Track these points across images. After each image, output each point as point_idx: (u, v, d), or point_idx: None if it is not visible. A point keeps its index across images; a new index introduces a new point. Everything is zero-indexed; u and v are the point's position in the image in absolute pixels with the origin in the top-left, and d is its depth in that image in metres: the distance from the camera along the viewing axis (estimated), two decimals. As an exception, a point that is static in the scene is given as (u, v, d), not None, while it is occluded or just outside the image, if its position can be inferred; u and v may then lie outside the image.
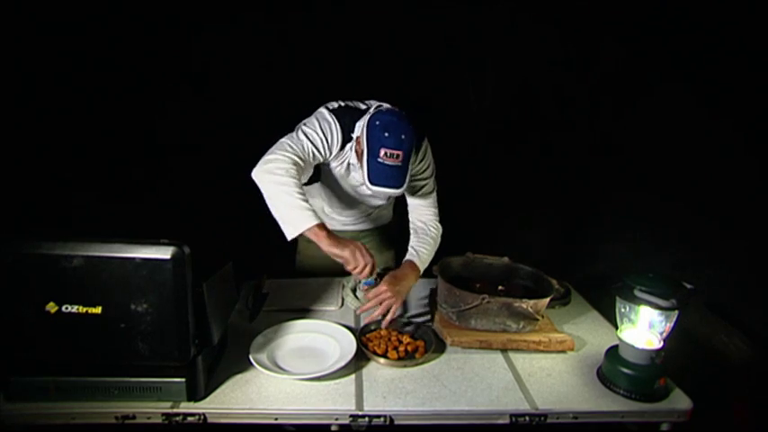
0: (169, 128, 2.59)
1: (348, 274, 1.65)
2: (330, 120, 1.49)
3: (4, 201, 1.86)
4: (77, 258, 0.99)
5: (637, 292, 1.19)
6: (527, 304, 1.33)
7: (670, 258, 2.17)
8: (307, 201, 1.36)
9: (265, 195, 1.37)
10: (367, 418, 1.12)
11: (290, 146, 1.42)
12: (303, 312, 1.54)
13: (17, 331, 1.04)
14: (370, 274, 1.40)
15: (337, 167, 1.61)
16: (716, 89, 2.05)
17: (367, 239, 1.91)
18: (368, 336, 1.40)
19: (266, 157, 1.40)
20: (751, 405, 1.69)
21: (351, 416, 1.12)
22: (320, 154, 1.48)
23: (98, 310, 1.02)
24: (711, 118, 2.11)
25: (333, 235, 1.37)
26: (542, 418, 1.14)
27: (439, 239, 1.66)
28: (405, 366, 1.28)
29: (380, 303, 1.42)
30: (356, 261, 1.36)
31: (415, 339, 1.38)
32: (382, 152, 1.35)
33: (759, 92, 1.91)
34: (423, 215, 1.67)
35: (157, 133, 2.57)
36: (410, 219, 1.71)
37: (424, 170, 1.62)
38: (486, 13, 2.63)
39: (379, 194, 1.49)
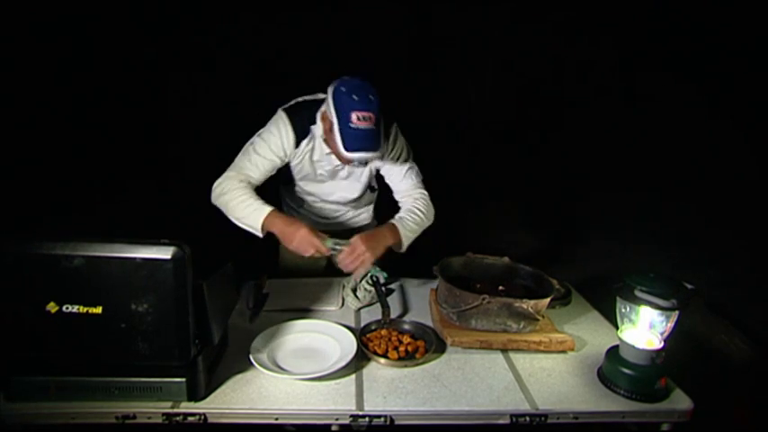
0: (170, 128, 2.59)
1: (347, 274, 1.66)
2: (280, 122, 1.54)
3: (4, 201, 1.86)
4: (78, 258, 0.99)
5: (637, 293, 1.19)
6: (527, 304, 1.33)
7: (670, 258, 2.17)
8: (256, 198, 1.47)
9: (227, 215, 1.49)
10: (367, 418, 1.12)
11: (236, 165, 1.55)
12: (303, 312, 1.54)
13: (18, 331, 1.04)
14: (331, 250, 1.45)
15: (298, 165, 1.64)
16: (716, 90, 2.05)
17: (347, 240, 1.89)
18: (368, 336, 1.39)
19: (215, 183, 1.53)
20: (751, 405, 1.69)
21: (351, 416, 1.12)
22: (271, 159, 1.55)
23: (98, 309, 1.02)
24: (711, 118, 2.11)
25: (287, 220, 1.44)
26: (543, 419, 1.14)
27: (431, 216, 1.65)
28: (405, 366, 1.28)
29: (356, 258, 1.43)
30: (303, 251, 1.42)
31: (416, 339, 1.38)
32: (354, 116, 1.35)
33: (759, 92, 1.90)
34: (409, 195, 1.67)
35: (158, 134, 2.57)
36: (399, 205, 1.70)
37: (399, 155, 1.63)
38: (487, 13, 2.64)
39: (357, 161, 1.48)
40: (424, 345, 1.34)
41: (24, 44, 2.01)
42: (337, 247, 1.46)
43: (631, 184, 2.55)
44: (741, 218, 2.08)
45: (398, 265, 1.79)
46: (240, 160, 1.56)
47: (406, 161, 1.64)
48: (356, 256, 1.43)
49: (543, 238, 2.95)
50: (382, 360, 1.28)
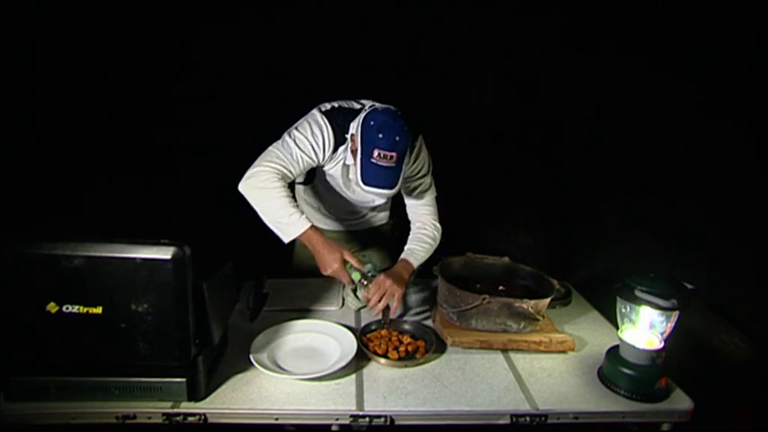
0: (170, 128, 2.59)
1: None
2: (322, 123, 1.49)
3: (4, 201, 1.86)
4: (78, 258, 0.99)
5: (637, 293, 1.19)
6: (528, 304, 1.33)
7: (670, 258, 2.17)
8: (296, 206, 1.41)
9: (255, 207, 1.41)
10: (367, 419, 1.12)
11: (276, 155, 1.45)
12: (304, 312, 1.54)
13: (18, 331, 1.04)
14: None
15: (331, 169, 1.61)
16: (716, 89, 2.05)
17: (362, 239, 1.91)
18: (368, 336, 1.39)
19: (250, 171, 1.43)
20: (752, 405, 1.69)
21: (351, 416, 1.12)
22: (311, 158, 1.49)
23: (99, 310, 1.02)
24: (711, 118, 2.11)
25: (324, 242, 1.43)
26: (543, 419, 1.14)
27: (438, 239, 1.66)
28: (405, 366, 1.28)
29: (384, 294, 1.42)
30: (339, 277, 1.44)
31: (416, 339, 1.38)
32: (376, 153, 1.35)
33: (759, 91, 1.91)
34: (420, 215, 1.67)
35: (158, 134, 2.57)
36: (409, 218, 1.70)
37: (420, 170, 1.62)
38: (487, 14, 2.64)
39: (371, 194, 1.49)
40: (425, 345, 1.34)
41: (24, 43, 2.01)
42: (370, 273, 1.49)
43: (631, 183, 2.55)
44: (741, 218, 2.08)
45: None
46: (280, 152, 1.45)
47: (425, 176, 1.64)
48: (383, 291, 1.43)
49: (544, 238, 2.95)
50: (382, 360, 1.28)
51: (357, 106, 1.54)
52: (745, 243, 1.97)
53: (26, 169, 2.03)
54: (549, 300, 1.40)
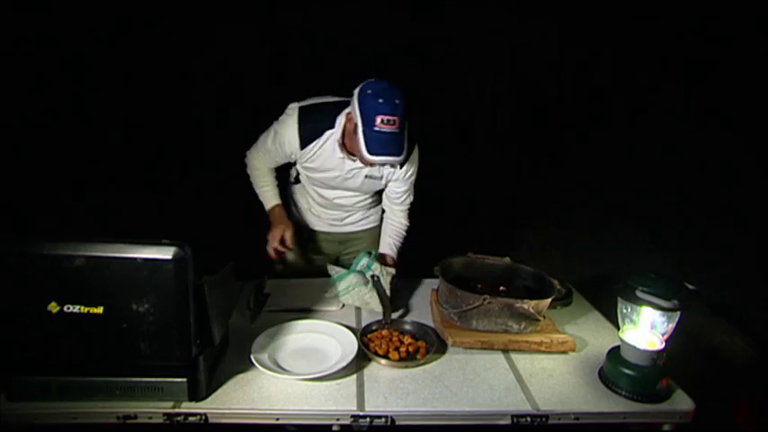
0: (170, 129, 2.59)
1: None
2: (292, 120, 1.55)
3: (7, 201, 1.86)
4: (79, 258, 0.99)
5: (638, 293, 1.19)
6: (528, 305, 1.33)
7: (672, 259, 2.17)
8: (269, 185, 1.72)
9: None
10: (368, 419, 1.12)
11: (258, 144, 1.68)
12: (304, 313, 1.54)
13: (19, 331, 1.04)
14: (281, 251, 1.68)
15: (307, 166, 1.64)
16: (718, 91, 2.05)
17: (356, 243, 1.92)
18: (369, 336, 1.39)
19: (248, 152, 1.73)
20: (753, 405, 1.69)
21: (352, 416, 1.12)
22: (279, 152, 1.63)
23: (100, 310, 1.02)
24: (712, 119, 2.11)
25: (277, 216, 1.69)
26: (544, 419, 1.14)
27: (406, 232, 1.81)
28: (406, 367, 1.28)
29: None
30: (271, 239, 1.65)
31: (417, 340, 1.38)
32: (378, 120, 1.34)
33: (759, 94, 1.91)
34: (396, 212, 1.76)
35: (159, 134, 2.57)
36: (383, 208, 1.80)
37: (411, 174, 1.66)
38: (487, 14, 2.64)
39: (378, 164, 1.51)
40: (425, 345, 1.34)
41: (25, 44, 2.02)
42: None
43: (632, 184, 2.56)
44: (741, 218, 2.08)
45: (399, 264, 1.79)
46: (260, 142, 1.68)
47: (410, 180, 1.69)
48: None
49: (545, 239, 2.95)
50: (383, 360, 1.28)
51: (334, 99, 1.56)
52: (745, 244, 1.97)
53: (27, 170, 2.04)
54: (549, 300, 1.39)
